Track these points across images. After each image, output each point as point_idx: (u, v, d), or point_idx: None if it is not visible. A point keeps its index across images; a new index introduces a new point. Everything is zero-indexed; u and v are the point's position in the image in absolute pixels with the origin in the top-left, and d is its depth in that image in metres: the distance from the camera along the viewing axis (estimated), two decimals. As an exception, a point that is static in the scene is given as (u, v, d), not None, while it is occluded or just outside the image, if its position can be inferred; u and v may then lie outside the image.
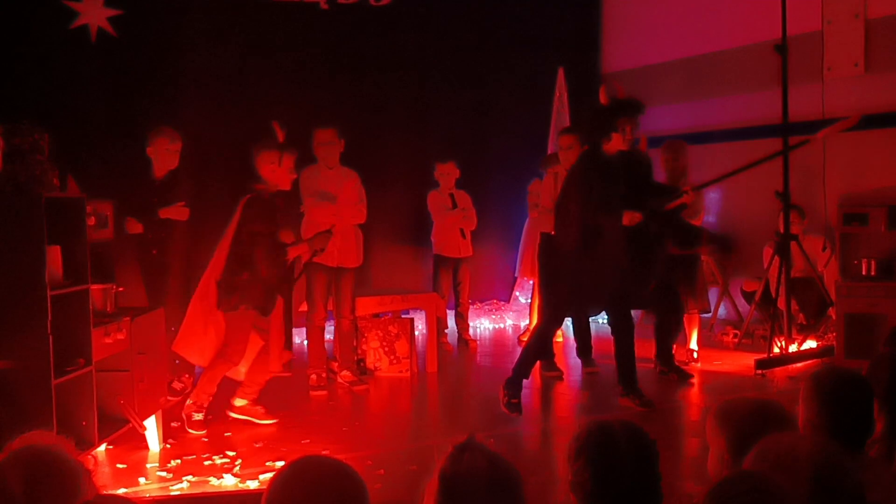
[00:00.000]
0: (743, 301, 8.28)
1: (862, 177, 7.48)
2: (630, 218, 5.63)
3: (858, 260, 6.80)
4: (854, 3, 7.60)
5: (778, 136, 7.27)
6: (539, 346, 5.96)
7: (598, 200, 5.65)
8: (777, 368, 6.77)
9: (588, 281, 5.74)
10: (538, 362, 6.44)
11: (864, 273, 6.78)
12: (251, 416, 5.65)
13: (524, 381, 5.75)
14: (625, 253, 5.68)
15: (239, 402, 5.67)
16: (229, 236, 5.56)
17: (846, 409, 2.51)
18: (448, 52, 9.19)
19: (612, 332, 6.02)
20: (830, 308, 7.27)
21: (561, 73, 9.36)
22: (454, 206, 8.15)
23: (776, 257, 7.11)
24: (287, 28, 8.52)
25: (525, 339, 8.34)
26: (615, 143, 5.77)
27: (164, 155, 6.39)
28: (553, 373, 6.93)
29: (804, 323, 7.58)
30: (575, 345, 7.27)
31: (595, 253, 5.68)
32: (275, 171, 5.65)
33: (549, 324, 6.04)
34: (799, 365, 6.85)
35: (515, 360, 5.85)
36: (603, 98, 5.83)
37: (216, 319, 5.51)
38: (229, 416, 5.64)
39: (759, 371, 6.66)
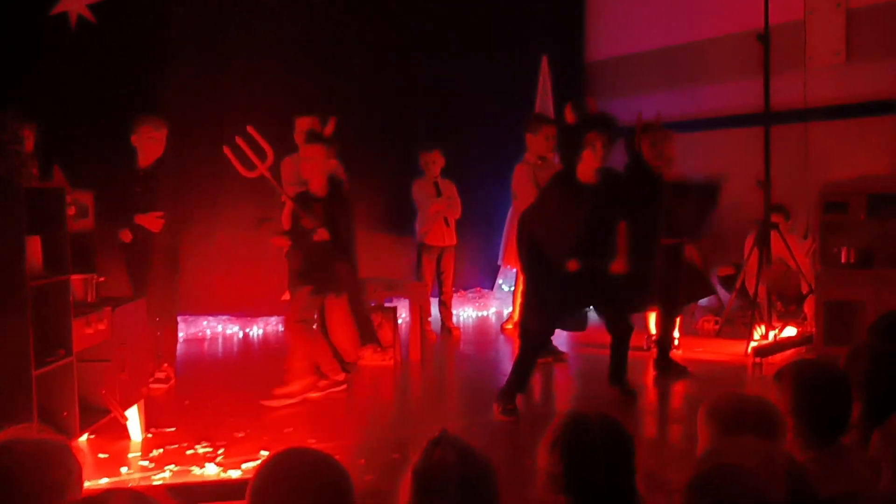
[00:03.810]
0: (722, 287, 8.34)
1: (843, 165, 7.53)
2: (572, 266, 5.40)
3: (838, 248, 6.85)
4: (836, -7, 7.63)
5: (760, 124, 7.31)
6: (528, 358, 5.67)
7: (553, 234, 5.52)
8: (765, 357, 6.78)
9: (564, 292, 5.53)
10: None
11: (843, 261, 6.83)
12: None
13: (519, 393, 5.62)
14: (599, 263, 5.50)
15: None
16: None
17: (822, 401, 2.54)
18: (432, 39, 9.15)
19: (610, 333, 5.89)
20: (810, 296, 7.33)
21: (545, 61, 9.36)
22: (439, 194, 8.15)
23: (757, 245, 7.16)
24: (270, 15, 8.46)
25: (508, 327, 8.38)
26: (588, 162, 5.53)
27: (149, 143, 6.35)
28: (544, 359, 6.98)
29: (783, 310, 7.64)
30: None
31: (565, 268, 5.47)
32: None
33: (534, 337, 5.71)
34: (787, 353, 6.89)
35: (498, 347, 5.84)
36: (569, 116, 5.63)
37: None
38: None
39: (758, 359, 6.64)
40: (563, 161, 5.89)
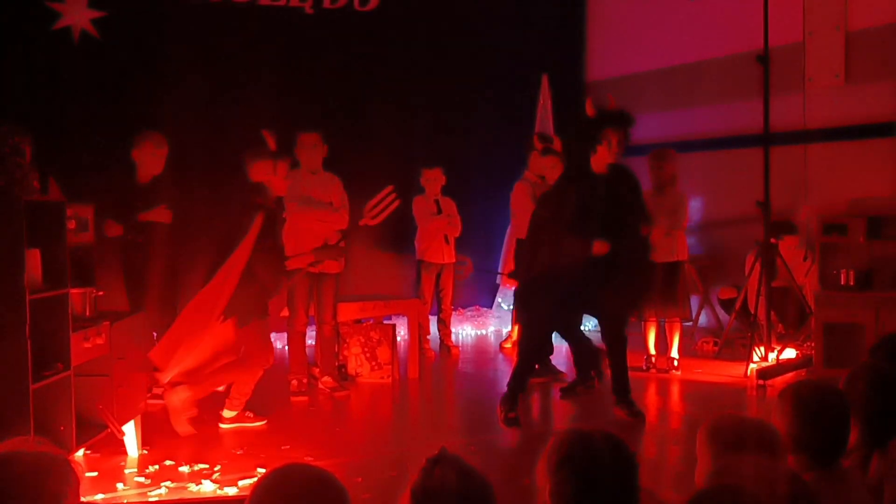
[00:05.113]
0: (723, 309, 8.34)
1: (841, 187, 7.55)
2: (599, 247, 5.46)
3: (837, 270, 6.85)
4: (835, 15, 7.67)
5: (759, 145, 7.33)
6: (526, 361, 5.81)
7: (571, 225, 5.50)
8: (768, 379, 6.75)
9: (563, 300, 5.59)
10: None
11: (842, 283, 6.82)
12: (243, 423, 5.70)
13: (520, 395, 5.68)
14: (604, 272, 5.52)
15: (228, 414, 5.69)
16: (247, 250, 5.55)
17: (821, 423, 2.53)
18: (433, 57, 9.20)
19: (606, 348, 5.93)
20: (810, 317, 7.32)
21: (545, 80, 9.39)
22: (439, 211, 8.15)
23: (756, 266, 7.15)
24: (271, 32, 8.50)
25: (507, 346, 8.37)
26: (601, 156, 5.57)
27: (150, 159, 6.36)
28: (543, 378, 6.97)
29: (783, 332, 7.62)
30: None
31: (570, 273, 5.50)
32: (271, 180, 5.73)
33: (530, 339, 5.87)
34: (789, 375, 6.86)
35: (497, 366, 5.85)
36: (589, 109, 5.66)
37: (212, 333, 5.52)
38: (221, 429, 5.63)
39: (762, 381, 6.62)
40: (576, 153, 5.86)
